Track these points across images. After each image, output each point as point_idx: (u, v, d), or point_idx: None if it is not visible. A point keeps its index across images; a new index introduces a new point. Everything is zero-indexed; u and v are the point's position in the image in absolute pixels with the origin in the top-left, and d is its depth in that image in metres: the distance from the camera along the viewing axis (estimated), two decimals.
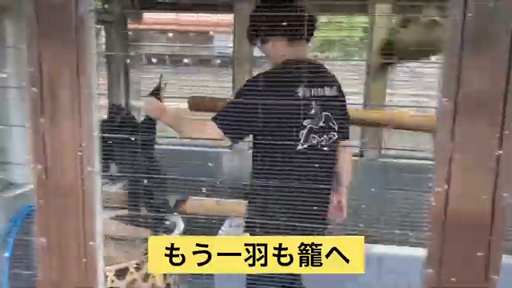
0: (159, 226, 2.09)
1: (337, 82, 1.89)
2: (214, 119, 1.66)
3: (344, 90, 1.95)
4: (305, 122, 1.73)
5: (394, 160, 2.96)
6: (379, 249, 2.15)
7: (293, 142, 1.71)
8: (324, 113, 1.80)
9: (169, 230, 2.06)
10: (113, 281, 1.79)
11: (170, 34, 6.67)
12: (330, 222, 1.97)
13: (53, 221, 1.11)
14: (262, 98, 1.61)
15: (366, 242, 1.21)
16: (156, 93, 1.88)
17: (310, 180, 1.71)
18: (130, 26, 3.38)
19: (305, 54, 1.82)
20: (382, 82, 2.87)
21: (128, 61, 3.09)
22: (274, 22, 1.66)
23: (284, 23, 1.66)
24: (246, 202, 1.89)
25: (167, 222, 2.11)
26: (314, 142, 1.77)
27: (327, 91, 1.83)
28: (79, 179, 1.08)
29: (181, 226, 2.12)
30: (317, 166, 1.72)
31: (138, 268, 1.84)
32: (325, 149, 1.79)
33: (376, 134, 2.91)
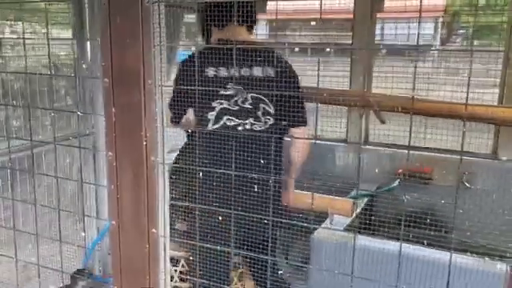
0: None
1: (275, 63, 1.74)
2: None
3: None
4: (214, 103, 1.68)
5: None
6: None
7: (204, 124, 1.69)
8: (251, 94, 1.69)
9: None
10: None
11: (313, 23, 6.62)
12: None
13: (121, 205, 1.16)
14: (181, 83, 1.66)
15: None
16: None
17: (225, 163, 1.58)
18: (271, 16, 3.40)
19: (235, 37, 1.75)
20: None
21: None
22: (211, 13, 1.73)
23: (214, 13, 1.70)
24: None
25: None
26: (231, 124, 1.69)
27: (256, 71, 1.70)
28: (144, 168, 1.11)
29: None
30: (236, 149, 1.61)
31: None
32: (252, 132, 1.70)
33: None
